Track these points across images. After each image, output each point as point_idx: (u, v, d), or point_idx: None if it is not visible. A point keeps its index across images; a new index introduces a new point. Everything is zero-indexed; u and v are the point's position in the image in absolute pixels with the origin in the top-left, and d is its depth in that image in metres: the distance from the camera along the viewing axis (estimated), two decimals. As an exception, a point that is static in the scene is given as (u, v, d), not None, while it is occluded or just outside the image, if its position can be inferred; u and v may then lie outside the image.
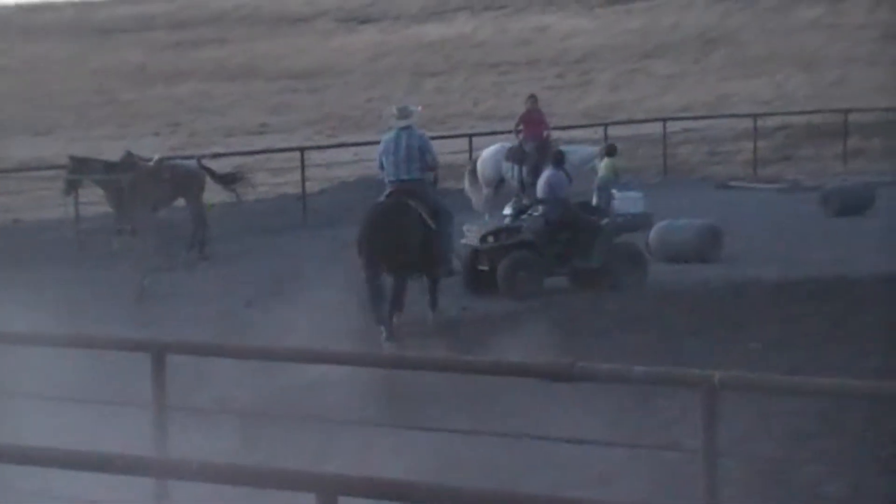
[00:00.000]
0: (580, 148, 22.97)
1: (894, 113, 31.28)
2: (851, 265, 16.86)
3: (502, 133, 25.34)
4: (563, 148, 20.10)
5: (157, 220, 20.11)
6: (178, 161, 21.65)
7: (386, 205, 13.77)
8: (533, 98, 23.46)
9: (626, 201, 17.47)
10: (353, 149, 27.30)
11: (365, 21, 52.54)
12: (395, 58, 45.59)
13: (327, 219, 22.69)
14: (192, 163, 21.20)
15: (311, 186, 24.03)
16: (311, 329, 13.99)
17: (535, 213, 16.78)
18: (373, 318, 13.74)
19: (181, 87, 42.40)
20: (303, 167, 23.56)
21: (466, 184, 22.20)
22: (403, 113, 13.91)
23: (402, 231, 13.58)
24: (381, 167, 13.95)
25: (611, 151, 20.96)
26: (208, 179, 20.47)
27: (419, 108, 14.65)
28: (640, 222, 17.34)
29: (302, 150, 24.34)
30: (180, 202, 20.34)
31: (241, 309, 15.52)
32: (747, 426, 9.44)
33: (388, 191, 13.88)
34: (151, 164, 20.11)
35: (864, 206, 22.19)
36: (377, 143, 28.51)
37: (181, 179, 20.01)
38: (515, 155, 22.49)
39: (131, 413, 7.01)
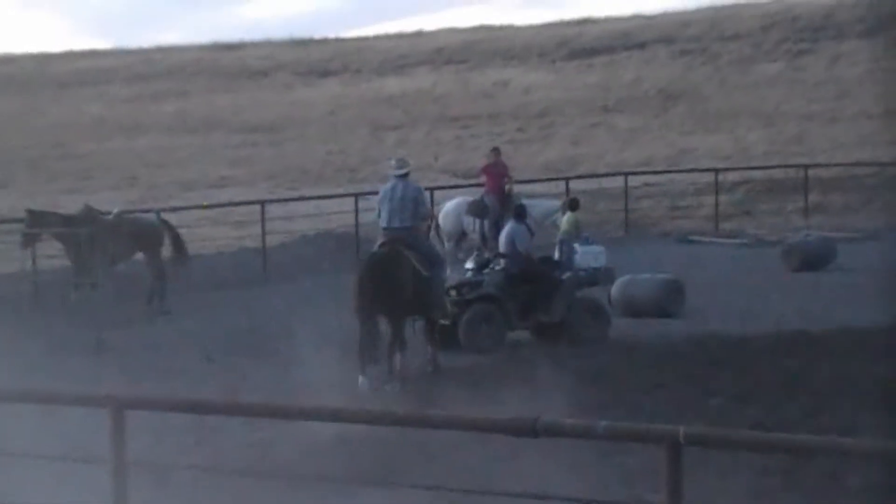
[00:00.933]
0: (541, 202, 23.07)
1: (853, 168, 31.61)
2: (812, 320, 16.96)
3: (464, 187, 25.43)
4: (524, 202, 20.18)
5: (116, 273, 20.02)
6: (138, 214, 21.60)
7: (380, 254, 14.42)
8: (496, 150, 23.57)
9: (587, 255, 17.53)
10: (314, 202, 27.30)
11: (324, 75, 52.70)
12: (355, 111, 45.70)
13: (288, 272, 22.67)
14: (152, 216, 21.16)
15: (272, 240, 24.00)
16: (271, 384, 13.96)
17: (497, 267, 16.81)
18: (358, 363, 14.08)
19: (140, 141, 42.35)
20: (263, 220, 23.54)
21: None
22: (401, 164, 14.82)
23: (394, 278, 14.21)
24: (379, 215, 14.71)
25: (573, 205, 21.02)
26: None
27: (411, 161, 15.58)
28: (601, 276, 17.40)
29: (262, 203, 24.32)
30: (140, 256, 20.26)
31: (202, 364, 15.46)
32: (709, 482, 9.46)
33: (381, 239, 14.60)
34: (111, 217, 20.05)
35: (825, 261, 22.36)
36: (338, 196, 28.57)
37: (141, 233, 19.96)
38: (477, 208, 22.55)
39: (90, 470, 6.97)
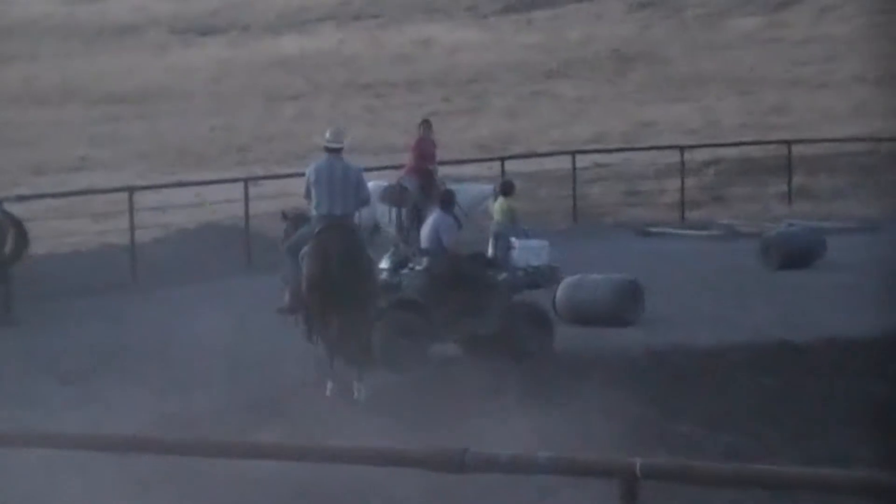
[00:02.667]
0: (471, 186, 23.12)
1: (845, 145, 31.96)
2: (797, 328, 17.15)
3: (377, 169, 25.41)
4: (451, 187, 20.22)
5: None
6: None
7: (339, 243, 14.99)
8: (427, 123, 23.59)
9: (527, 251, 17.61)
10: (195, 188, 27.15)
11: (207, 32, 52.47)
12: (245, 77, 45.54)
13: (163, 276, 22.56)
14: (-7, 206, 20.95)
15: (142, 236, 23.87)
16: (142, 412, 13.89)
17: (418, 267, 16.85)
18: (322, 369, 15.07)
19: (-22, 113, 41.97)
20: (131, 211, 23.41)
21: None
22: (336, 136, 15.41)
23: (359, 269, 15.06)
24: (308, 197, 15.28)
25: (506, 189, 21.05)
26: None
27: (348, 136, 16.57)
28: (544, 277, 17.48)
29: (130, 190, 24.19)
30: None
31: (56, 387, 15.36)
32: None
33: (323, 225, 15.09)
34: (-59, 208, 19.87)
35: (813, 256, 22.60)
36: (224, 181, 28.36)
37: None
38: (393, 195, 22.56)
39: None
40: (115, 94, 44.46)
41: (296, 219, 16.27)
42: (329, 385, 14.98)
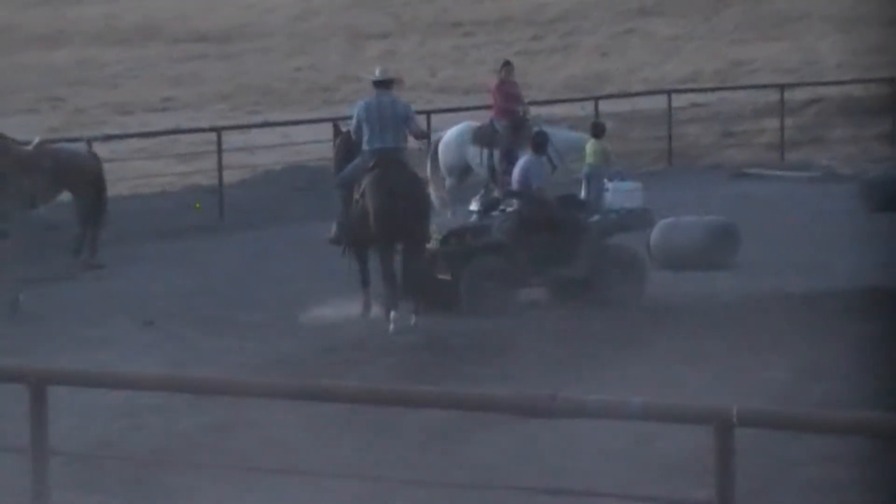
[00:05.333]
0: (563, 132, 22.95)
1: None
2: (897, 274, 17.01)
3: (466, 109, 25.38)
4: (544, 128, 20.12)
5: (36, 218, 20.03)
6: (63, 145, 21.56)
7: (400, 175, 15.61)
8: (508, 65, 23.53)
9: (620, 194, 17.54)
10: (281, 129, 27.25)
11: (292, -31, 52.48)
12: (329, 16, 45.55)
13: (248, 218, 22.69)
14: (81, 146, 21.11)
15: (229, 176, 24.00)
16: (224, 355, 14.03)
17: (509, 209, 16.84)
18: (388, 302, 15.31)
19: (60, 53, 42.22)
20: (219, 152, 23.51)
21: (427, 173, 22.22)
22: (383, 71, 16.07)
23: (419, 198, 15.77)
24: (358, 133, 15.82)
25: (597, 131, 20.93)
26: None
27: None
28: (637, 220, 17.42)
29: (219, 130, 24.28)
30: (65, 196, 20.27)
31: (140, 330, 15.52)
32: (767, 473, 9.53)
33: (375, 159, 15.60)
34: (29, 148, 20.04)
35: (914, 200, 22.38)
36: (310, 121, 28.42)
37: (66, 168, 19.93)
38: (485, 137, 22.53)
39: (5, 459, 7.03)
40: (197, 32, 44.65)
41: (348, 137, 16.49)
42: (392, 316, 15.17)
